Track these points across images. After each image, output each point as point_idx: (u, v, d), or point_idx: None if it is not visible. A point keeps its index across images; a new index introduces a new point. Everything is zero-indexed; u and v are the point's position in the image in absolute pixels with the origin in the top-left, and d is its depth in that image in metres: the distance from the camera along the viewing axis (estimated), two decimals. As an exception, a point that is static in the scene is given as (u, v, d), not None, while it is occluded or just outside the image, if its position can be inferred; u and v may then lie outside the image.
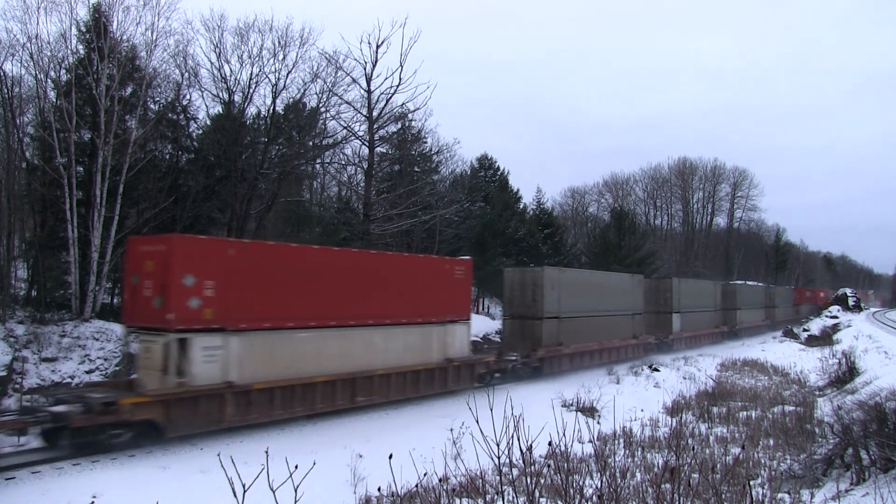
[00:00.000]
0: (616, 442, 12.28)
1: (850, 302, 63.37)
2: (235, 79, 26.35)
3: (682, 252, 71.69)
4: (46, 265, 20.68)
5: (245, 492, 3.36)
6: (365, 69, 26.19)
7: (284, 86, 26.83)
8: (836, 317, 53.06)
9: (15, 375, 16.15)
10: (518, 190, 44.46)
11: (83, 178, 20.75)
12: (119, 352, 16.96)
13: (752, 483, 7.19)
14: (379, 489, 7.97)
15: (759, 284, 55.38)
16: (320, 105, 28.41)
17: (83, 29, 21.30)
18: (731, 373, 24.40)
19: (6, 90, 22.87)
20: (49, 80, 21.49)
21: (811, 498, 7.70)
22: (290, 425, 13.67)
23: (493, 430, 4.72)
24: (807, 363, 26.35)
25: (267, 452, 3.79)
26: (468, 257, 21.85)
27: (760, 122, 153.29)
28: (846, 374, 20.25)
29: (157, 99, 24.98)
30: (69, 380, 16.55)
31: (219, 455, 4.80)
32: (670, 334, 31.82)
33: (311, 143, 30.29)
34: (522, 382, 20.03)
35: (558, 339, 22.42)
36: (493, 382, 19.06)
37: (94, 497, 8.45)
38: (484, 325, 31.47)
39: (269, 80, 26.62)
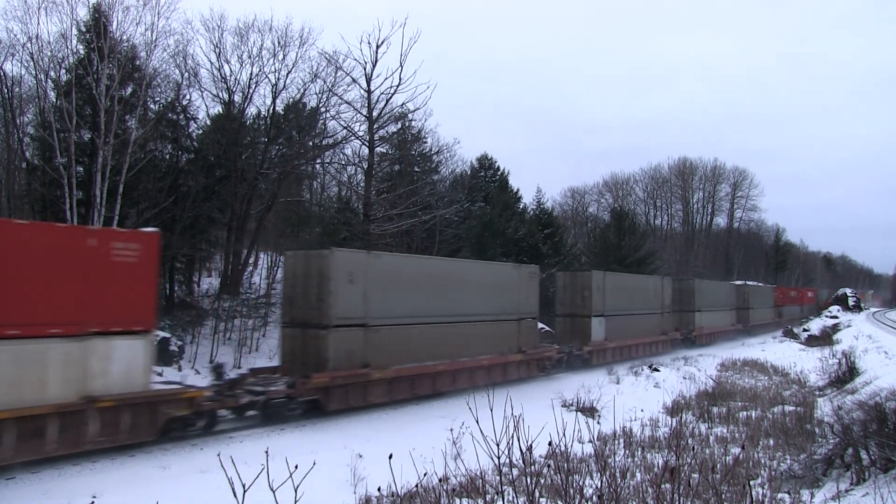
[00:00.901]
0: (616, 442, 12.27)
1: (850, 302, 63.36)
2: (235, 79, 26.39)
3: (682, 252, 71.63)
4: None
5: (245, 492, 3.36)
6: (365, 69, 26.18)
7: (284, 86, 26.88)
8: (836, 317, 53.08)
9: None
10: (518, 190, 44.39)
11: (83, 178, 20.74)
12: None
13: (752, 483, 7.18)
14: (379, 489, 7.97)
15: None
16: (320, 105, 28.44)
17: (83, 29, 21.31)
18: (731, 373, 24.39)
19: (6, 90, 22.90)
20: (49, 80, 21.51)
21: (811, 498, 7.70)
22: (289, 425, 13.68)
23: (493, 430, 4.72)
24: (807, 363, 26.34)
25: (267, 452, 3.79)
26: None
27: (760, 122, 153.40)
28: (846, 374, 20.24)
29: (157, 99, 25.00)
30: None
31: (219, 455, 4.80)
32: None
33: (311, 143, 30.29)
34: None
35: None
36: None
37: (94, 497, 8.45)
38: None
39: (269, 80, 26.66)
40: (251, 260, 29.55)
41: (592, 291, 25.40)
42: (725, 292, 44.13)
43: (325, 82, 27.09)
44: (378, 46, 25.80)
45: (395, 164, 32.49)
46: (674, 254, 68.90)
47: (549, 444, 5.59)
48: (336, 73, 26.80)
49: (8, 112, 22.96)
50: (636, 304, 28.97)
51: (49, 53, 21.02)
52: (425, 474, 6.76)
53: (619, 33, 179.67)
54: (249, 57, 26.00)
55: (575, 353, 24.35)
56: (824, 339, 38.97)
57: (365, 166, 28.89)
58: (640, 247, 47.97)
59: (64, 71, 21.16)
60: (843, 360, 21.20)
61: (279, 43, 26.10)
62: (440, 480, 6.46)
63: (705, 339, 37.18)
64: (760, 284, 56.69)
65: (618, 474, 6.90)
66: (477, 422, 4.52)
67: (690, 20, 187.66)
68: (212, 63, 26.08)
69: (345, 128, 28.31)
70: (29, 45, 21.00)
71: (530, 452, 4.93)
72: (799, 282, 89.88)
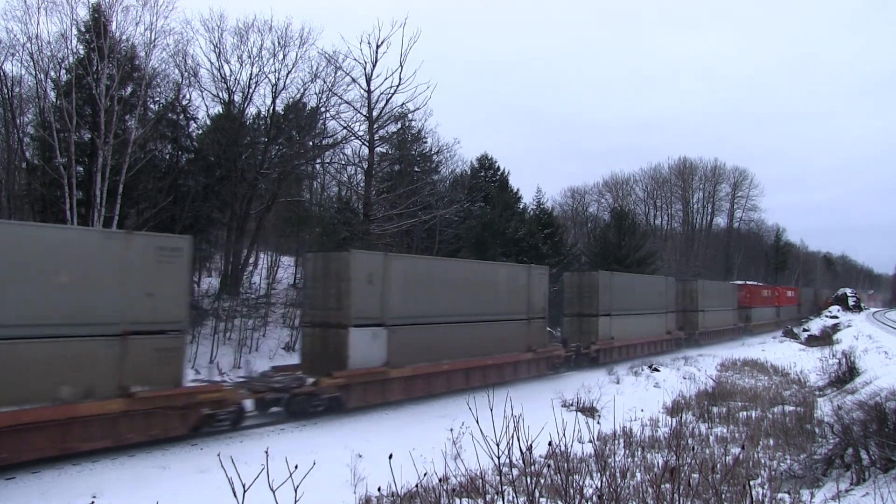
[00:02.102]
0: (616, 442, 12.27)
1: (850, 302, 63.34)
2: (235, 79, 26.39)
3: (682, 252, 71.61)
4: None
5: (245, 492, 3.36)
6: (365, 69, 26.18)
7: (284, 86, 26.88)
8: (836, 317, 53.09)
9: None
10: (518, 190, 44.39)
11: (83, 178, 20.74)
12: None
13: (752, 483, 7.18)
14: (379, 489, 7.96)
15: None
16: (320, 105, 28.44)
17: (83, 29, 21.31)
18: (731, 373, 24.39)
19: (6, 90, 22.90)
20: (49, 80, 21.51)
21: (811, 498, 7.70)
22: (289, 425, 13.68)
23: (493, 431, 4.72)
24: (807, 363, 26.33)
25: (267, 452, 3.79)
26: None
27: (760, 122, 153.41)
28: (846, 374, 20.24)
29: (157, 99, 25.00)
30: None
31: (219, 455, 4.80)
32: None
33: (311, 143, 30.28)
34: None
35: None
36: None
37: (94, 497, 8.45)
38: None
39: (269, 80, 26.66)
40: (251, 260, 29.55)
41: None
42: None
43: (324, 82, 27.12)
44: (378, 46, 25.82)
45: (395, 164, 32.48)
46: (674, 254, 68.86)
47: (549, 444, 5.59)
48: (336, 73, 26.83)
49: (8, 112, 22.95)
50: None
51: (49, 53, 21.05)
52: (425, 474, 6.76)
53: (620, 33, 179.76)
54: (249, 57, 26.03)
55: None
56: (824, 339, 38.97)
57: (365, 166, 28.89)
58: (640, 247, 47.95)
59: (64, 71, 21.17)
60: (843, 360, 21.20)
61: (279, 43, 26.13)
62: (440, 480, 6.46)
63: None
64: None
65: (618, 474, 6.89)
66: (477, 422, 4.52)
67: (691, 20, 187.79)
68: (211, 63, 26.11)
69: (345, 128, 28.33)
70: (29, 45, 21.03)
71: (530, 452, 4.93)
72: (799, 282, 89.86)
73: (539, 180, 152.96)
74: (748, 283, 53.73)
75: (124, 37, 21.99)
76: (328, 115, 28.79)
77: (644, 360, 26.49)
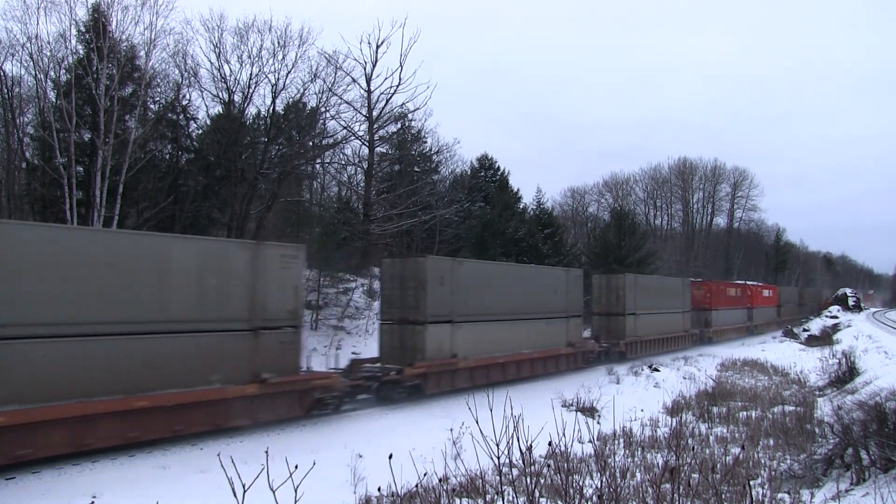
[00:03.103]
0: (616, 442, 12.26)
1: (850, 302, 63.34)
2: (235, 79, 26.37)
3: (682, 252, 71.62)
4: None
5: (245, 492, 3.36)
6: (365, 69, 26.25)
7: (284, 86, 26.86)
8: (836, 317, 53.07)
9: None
10: (518, 190, 44.44)
11: (83, 178, 20.74)
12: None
13: (752, 483, 7.18)
14: (379, 489, 7.96)
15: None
16: (320, 105, 28.45)
17: (82, 29, 21.31)
18: (731, 373, 24.39)
19: (6, 90, 22.90)
20: (49, 81, 21.50)
21: (811, 498, 7.70)
22: (290, 425, 13.67)
23: (492, 431, 4.72)
24: (807, 363, 26.33)
25: (267, 452, 3.79)
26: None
27: (760, 122, 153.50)
28: (846, 374, 20.23)
29: (157, 99, 25.01)
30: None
31: (219, 455, 4.80)
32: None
33: (311, 143, 30.29)
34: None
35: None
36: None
37: (94, 497, 8.45)
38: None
39: (269, 80, 26.65)
40: (251, 260, 29.47)
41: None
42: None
43: (324, 82, 27.14)
44: (378, 46, 25.89)
45: (395, 164, 32.53)
46: (674, 254, 68.86)
47: (549, 444, 5.58)
48: (336, 73, 26.89)
49: (8, 112, 22.95)
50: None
51: (48, 53, 21.04)
52: (425, 474, 6.76)
53: (620, 33, 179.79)
54: (249, 57, 26.00)
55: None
56: (824, 339, 38.96)
57: (365, 166, 28.93)
58: (640, 247, 47.92)
59: (63, 71, 21.16)
60: (843, 360, 21.19)
61: (279, 43, 26.11)
62: (440, 480, 6.45)
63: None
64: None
65: (618, 474, 6.89)
66: (477, 422, 4.52)
67: (691, 20, 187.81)
68: (211, 63, 26.09)
69: (345, 128, 28.39)
70: (28, 45, 21.02)
71: (530, 452, 4.93)
72: (799, 282, 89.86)
73: (539, 180, 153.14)
74: (709, 280, 45.33)
75: (124, 37, 22.01)
76: (328, 115, 28.86)
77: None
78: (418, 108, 29.10)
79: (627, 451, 11.57)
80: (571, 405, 16.08)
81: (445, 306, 17.72)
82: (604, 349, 26.35)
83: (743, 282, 52.84)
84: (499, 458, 4.68)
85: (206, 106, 27.73)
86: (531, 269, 24.98)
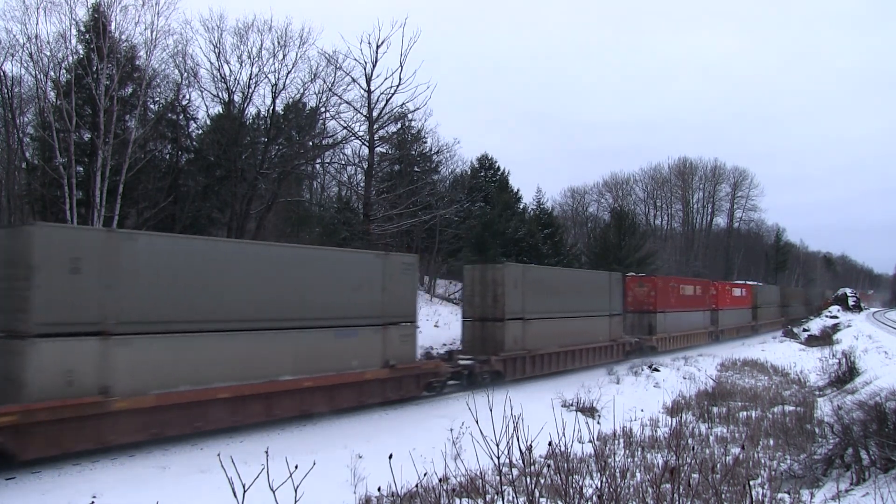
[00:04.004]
0: (616, 442, 12.27)
1: (850, 302, 63.32)
2: (235, 79, 26.39)
3: (682, 252, 71.64)
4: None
5: (245, 492, 3.36)
6: (365, 69, 26.22)
7: (284, 86, 26.87)
8: (836, 317, 53.07)
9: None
10: (518, 190, 44.52)
11: (83, 178, 20.75)
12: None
13: (752, 483, 7.19)
14: (379, 489, 7.96)
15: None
16: (320, 105, 28.45)
17: (82, 29, 21.32)
18: (730, 373, 24.40)
19: (6, 90, 22.92)
20: (49, 81, 21.51)
21: (811, 498, 7.70)
22: (290, 425, 13.67)
23: (492, 431, 4.72)
24: (807, 363, 26.34)
25: (267, 452, 3.79)
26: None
27: (761, 121, 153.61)
28: (846, 374, 20.24)
29: (157, 99, 25.03)
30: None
31: (219, 455, 4.80)
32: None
33: (311, 143, 30.29)
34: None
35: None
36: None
37: (94, 497, 8.45)
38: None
39: (269, 80, 26.66)
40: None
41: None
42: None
43: (324, 82, 27.13)
44: (378, 46, 25.86)
45: (395, 164, 32.52)
46: (674, 254, 68.88)
47: (549, 444, 5.58)
48: (336, 73, 26.85)
49: (8, 112, 22.96)
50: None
51: (48, 53, 21.05)
52: (425, 474, 6.75)
53: (620, 33, 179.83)
54: (249, 57, 26.02)
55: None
56: (824, 339, 38.96)
57: (365, 166, 28.92)
58: (640, 247, 47.97)
59: (64, 71, 21.16)
60: (843, 360, 21.20)
61: (279, 43, 26.12)
62: (440, 480, 6.45)
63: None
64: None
65: (618, 474, 6.90)
66: (477, 422, 4.52)
67: (691, 20, 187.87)
68: (211, 63, 26.10)
69: (345, 128, 28.37)
70: (28, 45, 21.04)
71: (530, 452, 4.93)
72: (799, 282, 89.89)
73: (539, 180, 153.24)
74: (653, 275, 36.61)
75: (124, 37, 22.02)
76: (328, 115, 28.84)
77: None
78: (418, 108, 29.02)
79: (627, 451, 11.57)
80: (571, 405, 16.08)
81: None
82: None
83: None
84: (499, 458, 4.68)
85: (206, 106, 27.77)
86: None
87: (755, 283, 54.46)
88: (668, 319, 31.52)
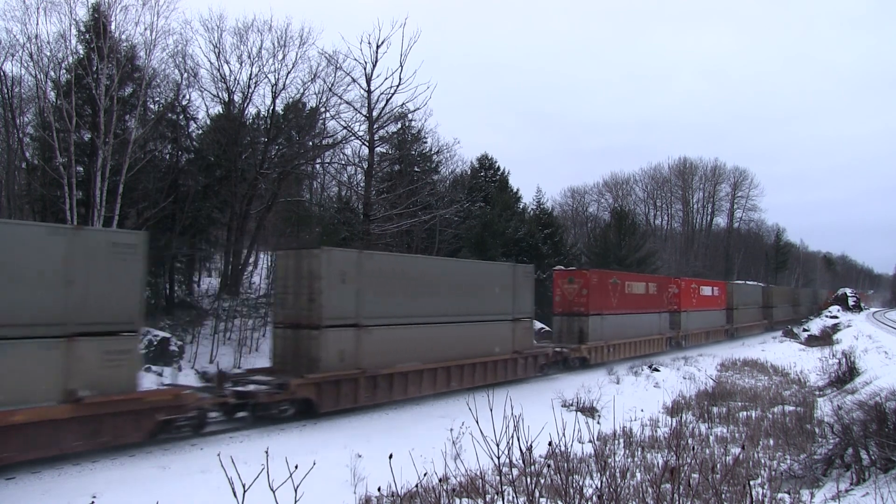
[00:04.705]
0: (616, 442, 12.28)
1: (850, 302, 63.28)
2: (235, 79, 26.37)
3: (682, 252, 71.64)
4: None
5: (245, 492, 3.36)
6: (365, 69, 26.18)
7: (284, 86, 26.84)
8: (836, 317, 53.05)
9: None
10: (518, 190, 44.47)
11: (83, 178, 20.74)
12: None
13: (752, 483, 7.18)
14: (379, 489, 7.96)
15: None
16: (320, 105, 28.42)
17: (82, 29, 21.30)
18: (730, 373, 24.41)
19: (6, 90, 22.91)
20: (49, 81, 21.49)
21: (811, 498, 7.70)
22: (290, 425, 13.68)
23: (493, 431, 4.72)
24: (807, 363, 26.35)
25: (267, 452, 3.79)
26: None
27: (761, 121, 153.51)
28: (846, 374, 20.24)
29: (157, 99, 25.00)
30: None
31: (219, 455, 4.80)
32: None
33: (310, 143, 30.28)
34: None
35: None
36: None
37: (94, 497, 8.44)
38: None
39: (269, 80, 26.64)
40: (251, 260, 29.55)
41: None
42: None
43: (324, 82, 27.09)
44: (378, 46, 25.81)
45: (395, 164, 32.49)
46: (674, 254, 68.88)
47: (549, 444, 5.58)
48: (336, 73, 26.80)
49: (8, 112, 22.95)
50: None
51: (48, 53, 21.02)
52: (425, 474, 6.76)
53: (620, 33, 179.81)
54: (249, 57, 25.99)
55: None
56: (824, 339, 38.96)
57: (365, 166, 28.89)
58: (640, 247, 47.97)
59: (64, 71, 21.15)
60: (843, 360, 21.20)
61: (279, 43, 26.10)
62: (440, 480, 6.45)
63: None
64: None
65: (618, 474, 6.90)
66: (477, 422, 4.52)
67: (691, 19, 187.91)
68: (211, 63, 26.08)
69: (345, 128, 28.32)
70: (28, 45, 21.01)
71: (530, 452, 4.93)
72: (799, 282, 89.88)
73: (539, 180, 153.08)
74: (584, 268, 32.14)
75: (124, 37, 22.00)
76: (328, 115, 28.81)
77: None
78: (418, 108, 28.96)
79: (627, 451, 11.57)
80: (571, 405, 16.09)
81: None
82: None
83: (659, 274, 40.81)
84: (499, 458, 4.68)
85: (206, 106, 27.75)
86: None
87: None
88: (607, 324, 26.22)
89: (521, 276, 21.48)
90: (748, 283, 54.67)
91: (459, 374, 18.25)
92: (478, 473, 7.41)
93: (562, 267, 28.93)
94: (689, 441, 11.71)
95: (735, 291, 43.35)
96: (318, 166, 35.62)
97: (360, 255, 16.21)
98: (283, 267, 15.85)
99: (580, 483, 5.72)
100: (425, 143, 34.66)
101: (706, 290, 38.72)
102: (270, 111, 27.34)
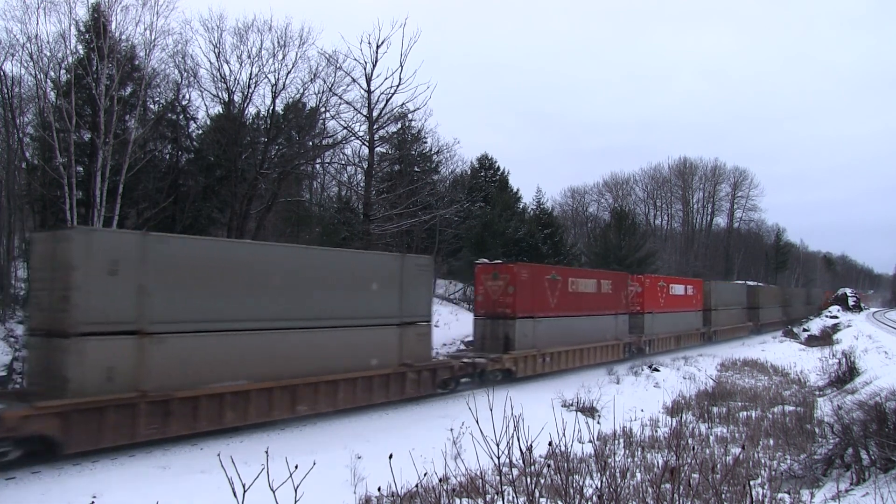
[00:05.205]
0: (616, 442, 12.28)
1: (850, 302, 63.28)
2: (235, 79, 26.35)
3: (682, 252, 71.64)
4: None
5: (245, 492, 3.36)
6: (365, 69, 26.18)
7: (284, 86, 26.82)
8: (836, 317, 53.07)
9: (15, 375, 16.15)
10: (518, 190, 44.57)
11: (83, 178, 20.73)
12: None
13: (752, 483, 7.19)
14: (379, 489, 7.96)
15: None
16: (320, 105, 28.41)
17: (82, 29, 21.30)
18: (731, 373, 24.41)
19: (6, 90, 22.87)
20: (49, 81, 21.49)
21: (811, 498, 7.71)
22: (290, 425, 13.67)
23: (493, 431, 4.72)
24: (807, 363, 26.35)
25: (267, 452, 3.79)
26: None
27: (761, 121, 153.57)
28: (846, 374, 20.24)
29: (157, 99, 25.00)
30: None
31: (219, 455, 4.80)
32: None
33: (311, 143, 30.28)
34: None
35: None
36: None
37: (94, 497, 8.45)
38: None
39: (269, 80, 26.62)
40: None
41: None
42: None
43: (324, 82, 27.08)
44: (378, 46, 25.81)
45: (395, 164, 32.51)
46: (674, 254, 68.88)
47: (549, 444, 5.58)
48: (336, 73, 26.80)
49: (8, 112, 22.92)
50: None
51: (48, 53, 21.02)
52: (425, 474, 6.76)
53: (620, 33, 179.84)
54: (249, 57, 25.97)
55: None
56: (824, 339, 38.96)
57: (365, 166, 28.90)
58: (640, 247, 47.96)
59: (63, 71, 21.15)
60: (843, 360, 21.21)
61: (279, 43, 26.08)
62: (440, 480, 6.45)
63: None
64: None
65: (618, 474, 6.90)
66: (477, 422, 4.52)
67: (691, 19, 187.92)
68: (211, 63, 26.06)
69: (345, 128, 28.33)
70: (28, 45, 20.99)
71: (530, 452, 4.93)
72: (799, 282, 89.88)
73: (539, 180, 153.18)
74: (512, 262, 25.98)
75: (124, 37, 21.99)
76: (328, 115, 28.81)
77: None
78: (418, 108, 28.97)
79: (627, 451, 11.58)
80: (571, 405, 16.09)
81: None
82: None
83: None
84: (499, 458, 4.69)
85: (206, 106, 27.73)
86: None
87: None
88: (542, 328, 21.68)
89: (412, 269, 16.87)
90: (733, 282, 51.65)
91: (312, 394, 13.94)
92: (478, 473, 7.41)
93: (486, 260, 24.46)
94: (689, 441, 11.72)
95: (714, 291, 38.80)
96: (318, 166, 35.65)
97: (145, 238, 11.76)
98: (38, 255, 11.63)
99: (580, 483, 5.72)
100: (425, 143, 34.71)
101: (677, 289, 33.86)
102: (270, 111, 27.35)
